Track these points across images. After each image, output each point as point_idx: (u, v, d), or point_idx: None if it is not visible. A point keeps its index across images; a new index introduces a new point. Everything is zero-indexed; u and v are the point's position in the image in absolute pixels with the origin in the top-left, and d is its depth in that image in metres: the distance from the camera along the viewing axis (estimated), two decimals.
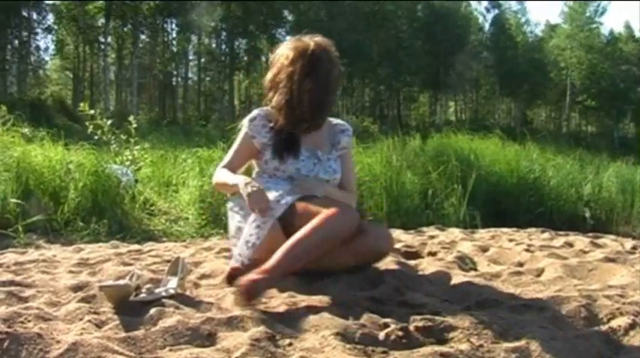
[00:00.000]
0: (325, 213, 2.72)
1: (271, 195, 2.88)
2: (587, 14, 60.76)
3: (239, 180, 2.93)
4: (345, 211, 2.78)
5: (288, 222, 2.83)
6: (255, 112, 3.17)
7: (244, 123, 3.16)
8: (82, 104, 7.85)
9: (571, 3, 61.88)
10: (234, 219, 3.09)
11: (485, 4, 70.79)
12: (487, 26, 65.00)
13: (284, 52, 3.09)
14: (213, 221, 6.85)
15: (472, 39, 59.93)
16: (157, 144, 9.94)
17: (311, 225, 2.70)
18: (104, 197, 6.59)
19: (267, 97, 3.15)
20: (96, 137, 7.56)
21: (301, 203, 2.88)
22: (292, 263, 2.65)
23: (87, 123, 7.58)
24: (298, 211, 2.84)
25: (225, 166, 3.13)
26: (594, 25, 61.41)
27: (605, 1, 69.28)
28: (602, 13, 61.89)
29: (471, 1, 65.01)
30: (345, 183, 3.23)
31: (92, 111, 7.55)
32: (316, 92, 3.00)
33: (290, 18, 53.82)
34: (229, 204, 3.16)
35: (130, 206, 6.82)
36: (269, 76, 3.12)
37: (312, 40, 3.08)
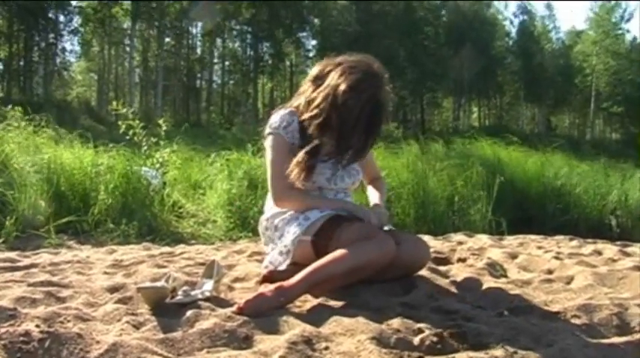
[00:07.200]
0: (360, 243, 2.64)
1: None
2: (614, 20, 60.29)
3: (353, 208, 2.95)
4: (381, 243, 2.65)
5: (322, 240, 2.79)
6: (287, 117, 2.96)
7: (277, 131, 2.94)
8: (114, 103, 7.80)
9: (597, 9, 61.41)
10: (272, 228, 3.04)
11: (513, 9, 70.56)
12: (514, 32, 64.68)
13: (352, 75, 2.83)
14: (242, 224, 6.89)
15: (498, 44, 59.67)
16: (182, 147, 9.98)
17: (340, 252, 2.63)
18: (134, 199, 6.65)
19: (303, 106, 2.93)
20: (127, 137, 7.58)
21: (342, 224, 2.80)
22: (312, 287, 2.60)
23: (119, 123, 7.58)
24: (336, 232, 2.77)
25: (288, 186, 2.90)
26: (620, 31, 60.92)
27: (633, 5, 68.33)
28: (628, 20, 61.41)
29: (498, 5, 64.51)
30: (374, 172, 3.43)
31: (125, 111, 7.54)
32: (373, 132, 2.91)
33: (316, 21, 53.80)
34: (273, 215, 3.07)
35: (159, 208, 6.87)
36: (321, 94, 2.85)
37: (384, 78, 2.99)
